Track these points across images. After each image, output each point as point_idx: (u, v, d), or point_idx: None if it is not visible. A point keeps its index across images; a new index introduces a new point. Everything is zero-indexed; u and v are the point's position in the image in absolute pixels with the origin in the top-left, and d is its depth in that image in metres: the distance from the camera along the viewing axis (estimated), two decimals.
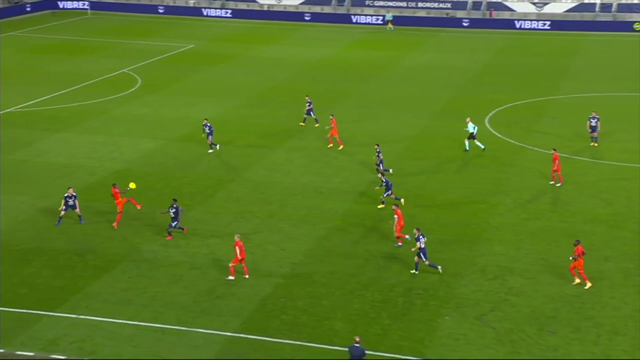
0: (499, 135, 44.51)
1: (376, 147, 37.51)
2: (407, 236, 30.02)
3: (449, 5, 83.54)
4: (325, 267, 28.67)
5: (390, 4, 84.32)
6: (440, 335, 24.31)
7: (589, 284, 27.21)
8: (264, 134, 43.96)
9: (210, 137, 40.56)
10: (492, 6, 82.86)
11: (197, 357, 23.08)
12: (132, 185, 32.20)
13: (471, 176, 38.01)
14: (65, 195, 31.40)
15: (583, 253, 27.08)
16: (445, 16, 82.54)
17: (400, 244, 30.18)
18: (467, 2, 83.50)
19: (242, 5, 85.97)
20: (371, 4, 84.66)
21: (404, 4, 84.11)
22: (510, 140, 43.57)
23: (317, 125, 44.93)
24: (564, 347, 23.92)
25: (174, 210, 30.28)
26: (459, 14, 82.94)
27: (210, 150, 40.57)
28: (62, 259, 28.74)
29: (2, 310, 25.13)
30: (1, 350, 22.95)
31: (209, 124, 40.70)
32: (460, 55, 66.88)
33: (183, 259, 29.00)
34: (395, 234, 30.27)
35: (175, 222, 30.47)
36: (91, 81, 55.19)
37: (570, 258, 27.40)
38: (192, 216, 32.76)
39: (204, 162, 39.18)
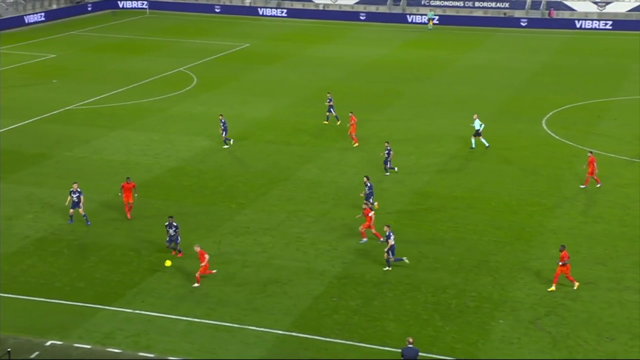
0: (557, 137, 43.70)
1: (386, 144, 37.41)
2: (382, 238, 29.78)
3: (506, 4, 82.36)
4: (377, 267, 28.51)
5: (446, 3, 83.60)
6: (494, 339, 23.96)
7: (576, 284, 26.95)
8: (317, 133, 43.97)
9: (224, 132, 40.94)
10: (551, 6, 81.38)
11: (249, 354, 23.17)
12: (167, 263, 28.12)
13: (527, 178, 37.39)
14: (71, 190, 31.48)
15: (568, 258, 26.56)
16: (502, 16, 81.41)
17: (365, 239, 30.24)
18: (525, 2, 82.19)
19: (298, 5, 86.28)
20: (427, 4, 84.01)
21: (460, 3, 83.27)
22: (569, 142, 42.73)
23: (338, 123, 44.92)
24: (622, 354, 23.35)
25: (173, 229, 28.74)
26: (517, 13, 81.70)
27: (225, 146, 40.92)
28: (118, 254, 29.20)
29: (60, 303, 25.64)
30: (59, 343, 23.38)
31: (223, 120, 41.01)
32: (518, 56, 65.90)
33: (236, 257, 29.16)
34: (360, 229, 30.31)
35: (174, 242, 28.91)
36: (148, 79, 56.06)
37: (560, 264, 26.59)
38: (246, 214, 32.95)
39: (258, 161, 39.36)
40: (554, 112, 48.65)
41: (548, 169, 38.66)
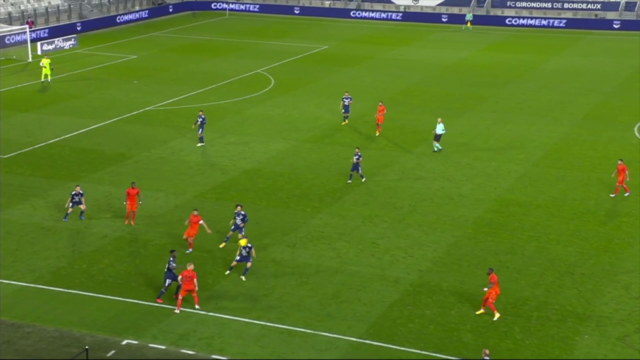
0: None
1: (357, 150, 36.24)
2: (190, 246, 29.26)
3: (598, 6, 79.57)
4: (454, 276, 27.76)
5: (533, 4, 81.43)
6: (578, 355, 23.04)
7: (497, 315, 24.82)
8: (394, 138, 43.32)
9: (200, 129, 40.79)
10: None
11: None
12: (242, 242, 27.61)
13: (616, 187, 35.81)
14: (73, 193, 31.71)
15: (496, 282, 24.74)
16: (594, 17, 78.66)
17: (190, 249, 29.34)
18: (619, 3, 79.23)
19: (378, 7, 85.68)
20: (513, 5, 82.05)
21: (548, 4, 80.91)
22: None
23: (344, 123, 45.01)
24: None
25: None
26: (610, 15, 78.82)
27: (200, 144, 40.95)
28: (193, 255, 29.22)
29: (136, 303, 25.83)
30: (135, 342, 23.55)
31: (203, 116, 40.89)
32: (609, 59, 63.66)
33: (310, 262, 28.85)
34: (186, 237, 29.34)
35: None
36: (226, 81, 56.51)
37: (485, 289, 24.92)
38: (320, 219, 32.63)
39: (334, 164, 39.01)
40: None
41: (639, 178, 36.94)
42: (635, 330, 24.26)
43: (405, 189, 35.90)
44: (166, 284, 25.88)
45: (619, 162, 34.85)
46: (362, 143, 42.36)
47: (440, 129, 39.98)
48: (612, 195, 34.66)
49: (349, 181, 36.18)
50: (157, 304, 25.67)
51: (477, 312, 25.27)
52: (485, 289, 25.17)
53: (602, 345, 23.48)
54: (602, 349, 23.31)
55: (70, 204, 31.89)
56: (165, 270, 26.02)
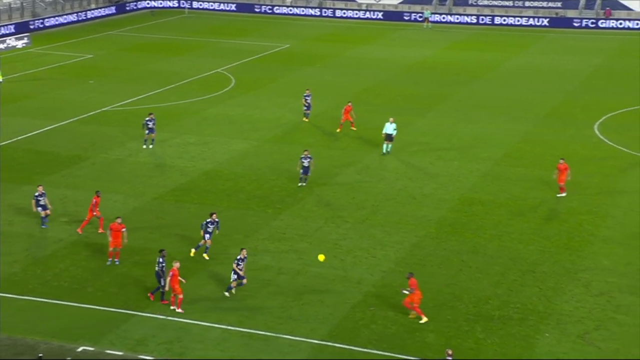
0: (610, 143, 42.52)
1: (305, 152, 35.53)
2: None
3: (559, 4, 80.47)
4: (417, 276, 27.38)
5: (495, 3, 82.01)
6: (539, 353, 23.18)
7: (424, 319, 24.77)
8: (357, 137, 43.22)
9: (149, 132, 40.30)
10: (607, 5, 79.25)
11: None
12: (321, 258, 26.55)
13: (578, 185, 36.12)
14: (36, 194, 31.09)
15: (416, 287, 24.77)
16: (554, 16, 79.53)
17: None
18: (579, 1, 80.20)
19: (340, 5, 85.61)
20: (474, 4, 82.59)
21: (509, 3, 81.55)
22: (622, 149, 41.53)
23: (306, 120, 45.31)
24: None
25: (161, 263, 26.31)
26: (570, 13, 79.75)
27: (151, 146, 40.46)
28: (151, 259, 28.70)
29: (93, 308, 25.38)
30: (91, 349, 23.14)
31: (154, 119, 40.53)
32: (570, 58, 64.49)
33: (271, 264, 28.61)
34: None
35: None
36: (186, 80, 55.94)
37: (405, 291, 24.89)
38: (282, 220, 32.39)
39: (295, 165, 38.71)
40: (607, 116, 47.35)
41: (600, 176, 37.50)
42: (595, 327, 24.47)
43: (368, 189, 35.82)
44: (162, 284, 25.58)
45: (561, 161, 34.73)
46: (324, 142, 42.27)
47: (391, 129, 39.56)
48: (561, 195, 34.55)
49: (299, 184, 35.52)
50: (115, 309, 25.21)
51: (410, 317, 25.00)
52: (405, 292, 24.89)
53: (563, 343, 23.64)
54: (562, 347, 23.47)
55: (39, 208, 31.06)
56: (156, 270, 25.75)
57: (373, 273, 27.88)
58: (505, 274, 27.89)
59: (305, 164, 35.13)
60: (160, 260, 25.85)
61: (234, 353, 23.01)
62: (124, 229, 28.11)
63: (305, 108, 45.51)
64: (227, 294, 26.42)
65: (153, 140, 40.84)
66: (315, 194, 35.04)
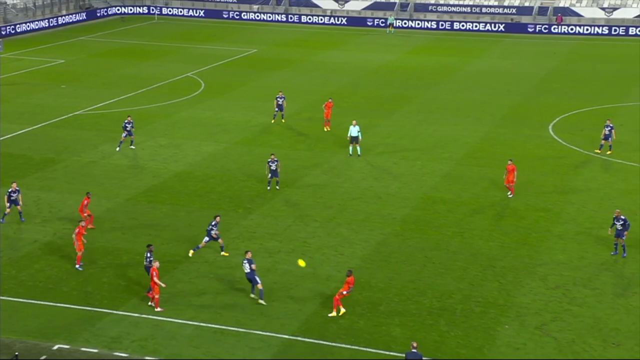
0: (564, 143, 43.71)
1: (272, 156, 35.74)
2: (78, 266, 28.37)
3: (513, 10, 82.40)
4: (383, 272, 28.58)
5: (453, 9, 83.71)
6: (499, 344, 23.95)
7: (333, 313, 25.46)
8: (324, 139, 44.06)
9: (127, 134, 40.84)
10: (559, 12, 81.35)
11: (255, 359, 23.22)
12: (301, 264, 27.08)
13: (534, 183, 37.38)
14: (9, 190, 31.64)
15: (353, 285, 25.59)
16: (510, 22, 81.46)
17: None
18: (532, 8, 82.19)
19: (305, 11, 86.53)
20: (434, 10, 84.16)
21: (467, 9, 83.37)
22: (575, 148, 42.75)
23: (273, 121, 46.33)
24: None
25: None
26: (524, 19, 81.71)
27: (119, 149, 40.99)
28: (125, 259, 29.35)
29: (68, 308, 25.76)
30: (66, 347, 23.47)
31: (132, 121, 41.18)
32: (525, 62, 65.96)
33: (242, 262, 29.15)
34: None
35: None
36: (156, 85, 56.33)
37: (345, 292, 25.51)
38: (252, 219, 33.06)
39: (265, 166, 39.49)
40: (560, 117, 48.68)
41: (554, 175, 38.64)
42: (552, 319, 25.34)
43: (334, 188, 36.61)
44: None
45: (509, 162, 35.12)
46: (291, 144, 43.01)
47: (355, 131, 40.28)
48: (510, 196, 35.19)
49: (268, 188, 36.02)
50: (90, 308, 25.62)
51: (330, 315, 25.40)
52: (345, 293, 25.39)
53: (521, 335, 24.43)
54: (521, 338, 24.26)
55: (8, 204, 31.46)
56: (145, 265, 26.53)
57: (340, 270, 28.45)
58: (467, 269, 28.70)
59: (273, 167, 35.51)
60: (148, 255, 26.59)
61: (206, 349, 23.45)
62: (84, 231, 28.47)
63: (276, 109, 46.28)
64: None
65: (132, 142, 41.31)
66: (283, 194, 35.73)
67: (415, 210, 34.27)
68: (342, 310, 25.68)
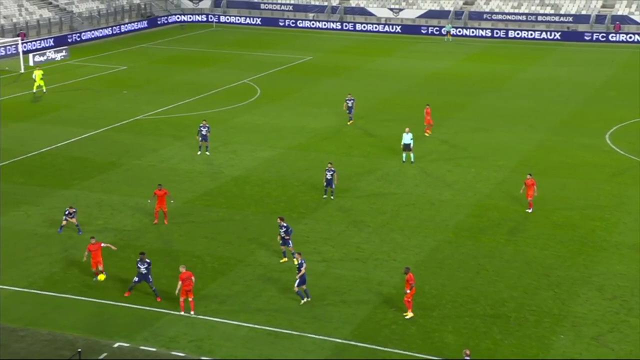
0: (621, 152, 43.05)
1: (329, 165, 35.52)
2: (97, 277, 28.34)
3: (570, 19, 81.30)
4: (436, 279, 28.62)
5: (508, 17, 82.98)
6: (554, 354, 23.75)
7: (409, 314, 25.57)
8: (377, 145, 44.25)
9: (203, 139, 41.50)
10: (617, 20, 79.97)
11: None
12: (101, 278, 28.26)
13: (590, 192, 36.96)
14: (66, 212, 31.87)
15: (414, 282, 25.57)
16: (566, 30, 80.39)
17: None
18: (590, 16, 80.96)
19: (360, 19, 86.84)
20: (489, 18, 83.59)
21: (523, 17, 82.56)
22: (633, 157, 42.06)
23: (349, 122, 47.42)
24: None
25: (145, 265, 26.98)
26: (581, 27, 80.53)
27: (200, 153, 41.66)
28: (182, 260, 29.96)
29: (128, 307, 26.45)
30: (126, 345, 24.09)
31: (207, 125, 41.71)
32: (582, 70, 65.04)
33: (296, 266, 29.54)
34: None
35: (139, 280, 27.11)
36: (214, 91, 57.24)
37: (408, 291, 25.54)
38: (306, 224, 33.41)
39: (319, 171, 39.84)
40: (618, 126, 47.90)
41: (612, 184, 38.13)
42: (609, 330, 25.03)
43: (388, 195, 36.76)
44: (136, 281, 26.87)
45: (528, 176, 34.47)
46: (345, 150, 43.30)
47: (408, 138, 40.37)
48: (529, 211, 34.43)
49: (324, 196, 36.11)
50: (149, 308, 26.23)
51: (408, 316, 25.76)
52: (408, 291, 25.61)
53: (577, 345, 24.20)
54: (577, 348, 24.04)
55: (66, 221, 32.17)
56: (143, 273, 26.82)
57: (393, 275, 28.63)
58: (521, 277, 28.53)
59: (328, 176, 35.64)
60: (138, 261, 26.78)
61: (260, 351, 23.81)
62: (102, 245, 28.45)
63: (347, 112, 47.70)
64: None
65: (207, 147, 42.10)
66: (337, 200, 35.99)
67: (469, 217, 34.21)
68: (411, 314, 25.82)
